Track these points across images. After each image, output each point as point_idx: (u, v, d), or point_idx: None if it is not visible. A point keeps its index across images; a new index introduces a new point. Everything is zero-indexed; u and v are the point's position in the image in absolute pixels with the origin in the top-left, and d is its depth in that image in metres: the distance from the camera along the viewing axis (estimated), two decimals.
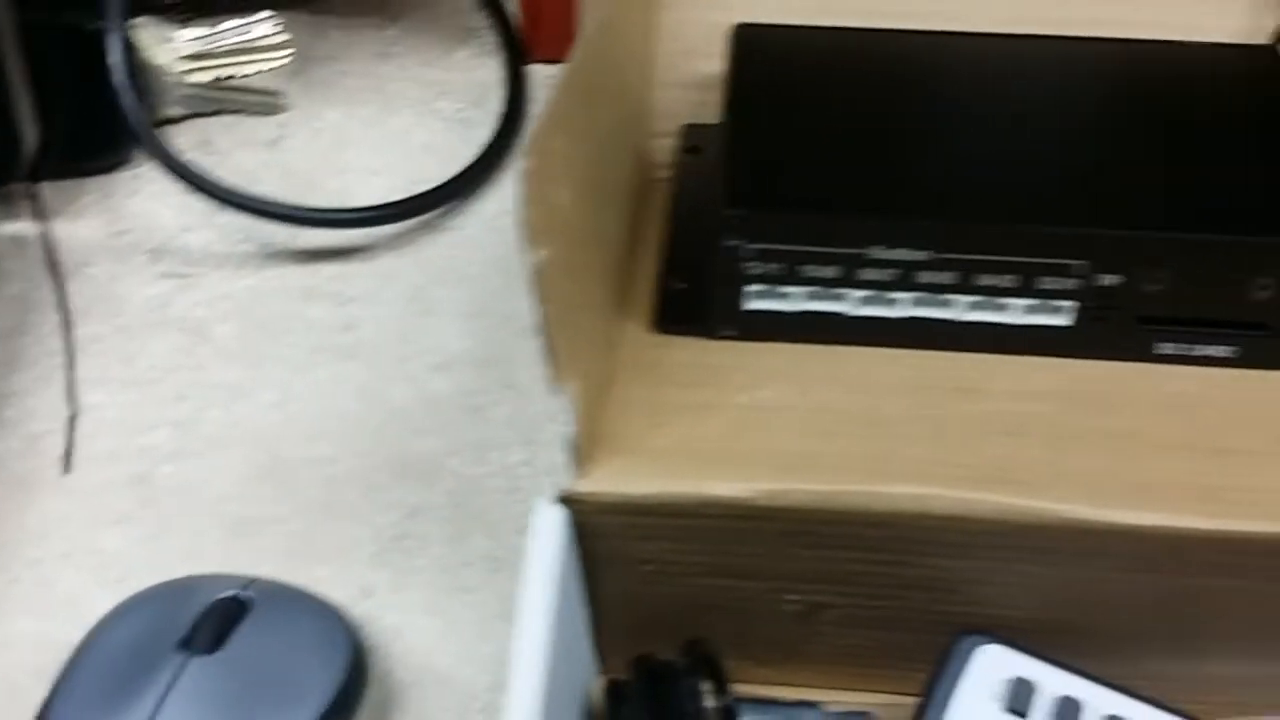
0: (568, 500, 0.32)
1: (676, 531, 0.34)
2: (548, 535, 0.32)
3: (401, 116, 0.54)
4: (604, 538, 0.34)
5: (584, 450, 0.33)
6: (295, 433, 0.45)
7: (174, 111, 0.54)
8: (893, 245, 0.36)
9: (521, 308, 0.29)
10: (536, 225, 0.30)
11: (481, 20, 0.57)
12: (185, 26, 0.55)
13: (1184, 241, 0.36)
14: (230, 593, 0.38)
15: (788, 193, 0.38)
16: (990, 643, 0.35)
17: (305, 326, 0.48)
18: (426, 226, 0.51)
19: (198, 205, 0.50)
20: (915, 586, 0.35)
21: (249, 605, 0.38)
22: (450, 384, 0.46)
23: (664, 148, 0.49)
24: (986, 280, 0.37)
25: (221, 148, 0.53)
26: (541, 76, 0.56)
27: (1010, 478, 0.33)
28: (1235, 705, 0.35)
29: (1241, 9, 0.49)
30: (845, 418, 0.35)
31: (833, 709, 0.38)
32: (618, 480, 0.33)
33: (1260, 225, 0.36)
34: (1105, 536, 0.32)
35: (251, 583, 0.39)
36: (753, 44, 0.46)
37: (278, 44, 0.54)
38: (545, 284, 0.31)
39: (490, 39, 0.57)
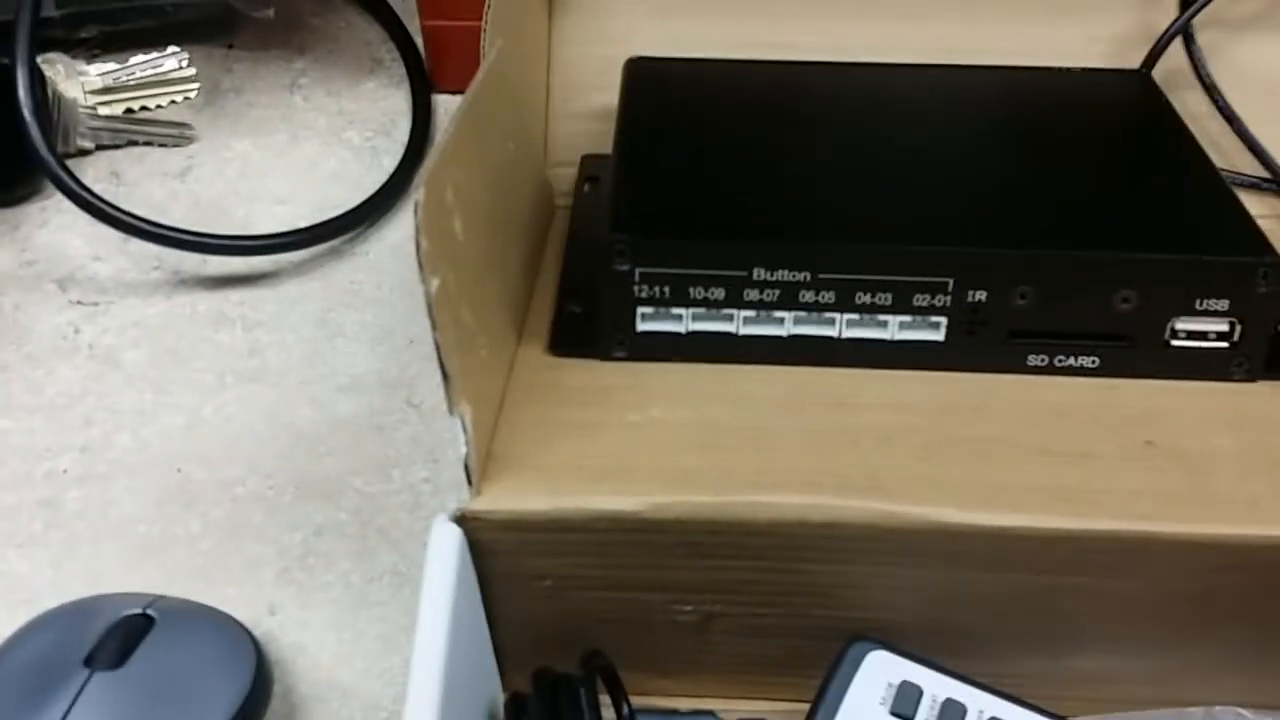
0: (462, 519, 0.33)
1: (570, 546, 0.34)
2: (443, 553, 0.32)
3: (309, 146, 0.54)
4: (500, 555, 0.34)
5: (478, 470, 0.33)
6: (203, 455, 0.45)
7: (85, 144, 0.54)
8: (773, 267, 0.37)
9: (425, 331, 0.29)
10: (431, 254, 0.31)
11: (389, 52, 0.57)
12: (96, 61, 0.54)
13: (1047, 258, 0.37)
14: (135, 610, 0.38)
15: (673, 218, 0.38)
16: (878, 648, 0.35)
17: (213, 351, 0.48)
18: (333, 252, 0.51)
19: (108, 234, 0.50)
20: (801, 593, 0.35)
21: (153, 622, 0.37)
22: (355, 405, 0.46)
23: (565, 177, 0.50)
24: (863, 298, 0.37)
25: (131, 178, 0.53)
26: (447, 106, 0.56)
27: (882, 485, 0.33)
28: (1099, 701, 0.36)
29: (1113, 35, 0.51)
30: (730, 432, 0.36)
31: (730, 718, 0.38)
32: (511, 498, 0.33)
33: (1119, 240, 0.37)
34: (971, 539, 0.32)
35: (156, 600, 0.38)
36: (643, 77, 0.46)
37: (186, 77, 0.54)
38: (440, 311, 0.31)
39: (397, 70, 0.57)
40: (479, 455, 0.33)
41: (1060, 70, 0.47)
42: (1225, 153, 0.50)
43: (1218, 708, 0.36)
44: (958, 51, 0.49)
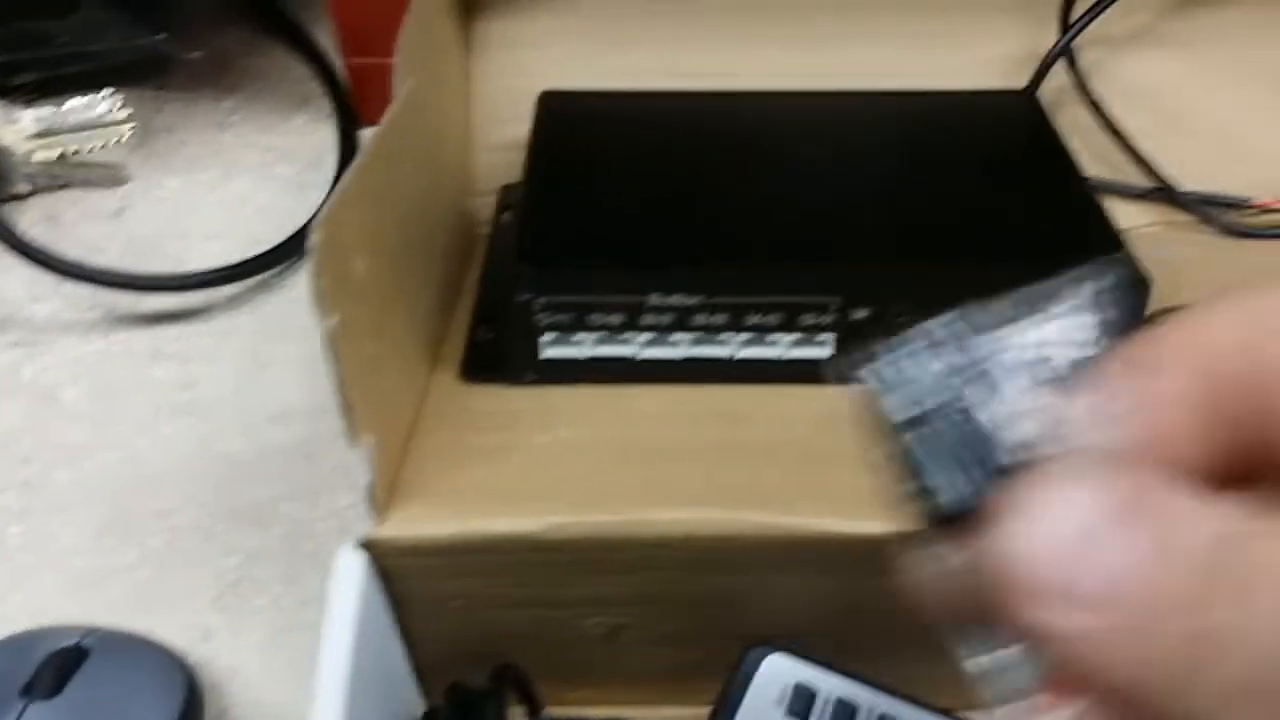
0: (368, 545, 0.34)
1: (476, 568, 0.35)
2: (348, 579, 0.33)
3: (240, 182, 0.55)
4: (409, 578, 0.35)
5: (382, 498, 0.34)
6: (139, 488, 0.45)
7: (21, 188, 0.55)
8: (668, 292, 0.38)
9: None
10: (326, 293, 0.31)
11: (316, 88, 0.58)
12: (31, 107, 0.55)
13: (923, 275, 0.38)
14: (70, 642, 0.39)
15: (574, 248, 0.39)
16: (775, 653, 0.36)
17: (149, 386, 0.48)
18: (263, 286, 0.52)
19: (45, 276, 0.51)
20: (700, 603, 0.36)
21: (88, 652, 0.38)
22: (285, 434, 0.47)
23: (486, 206, 0.51)
24: (754, 319, 0.38)
25: (67, 220, 0.54)
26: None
27: (770, 498, 0.35)
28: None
29: (1003, 57, 0.52)
30: (629, 452, 0.37)
31: None
32: (415, 524, 0.34)
33: (996, 254, 0.39)
34: (853, 546, 0.34)
35: (90, 632, 0.39)
36: (555, 110, 0.47)
37: (120, 119, 0.55)
38: (338, 347, 0.32)
39: (325, 105, 0.57)
40: (385, 482, 0.34)
41: (949, 93, 0.48)
42: (1115, 165, 0.51)
43: None
44: (856, 76, 0.50)
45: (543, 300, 0.38)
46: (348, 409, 0.32)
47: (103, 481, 0.46)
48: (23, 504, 0.45)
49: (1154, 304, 0.38)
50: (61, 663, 0.38)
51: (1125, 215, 0.50)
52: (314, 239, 0.31)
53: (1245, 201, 0.50)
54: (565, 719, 0.38)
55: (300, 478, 0.45)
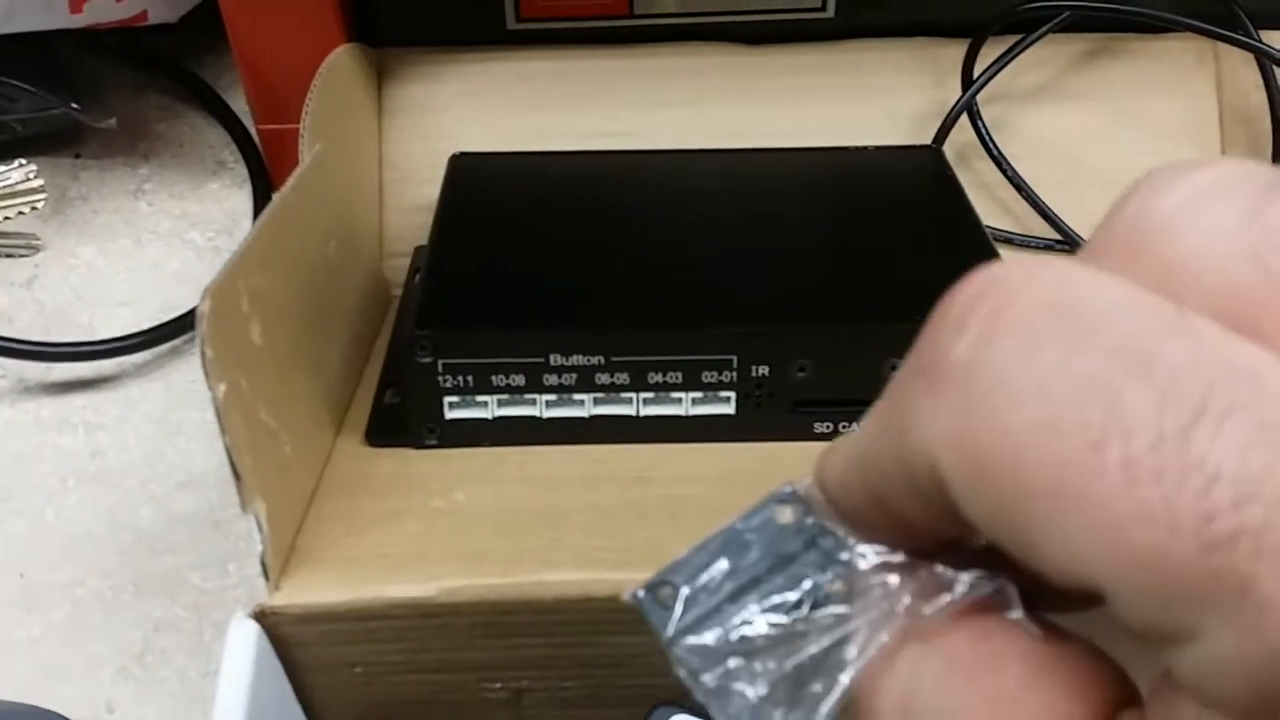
0: (260, 615, 0.33)
1: (373, 634, 0.35)
2: (240, 649, 0.32)
3: (153, 249, 0.55)
4: (306, 646, 0.35)
5: (275, 565, 0.34)
6: (45, 558, 0.45)
7: None
8: (569, 353, 0.38)
9: None
10: (217, 362, 0.31)
11: (232, 154, 0.58)
12: None
13: (818, 332, 0.38)
14: None
15: (474, 311, 0.39)
16: (678, 713, 0.36)
17: (57, 455, 0.48)
18: (174, 352, 0.51)
19: None
20: (601, 665, 0.36)
21: None
22: (194, 502, 0.46)
23: (400, 268, 0.51)
24: (656, 378, 0.39)
25: None
26: None
27: (665, 557, 0.34)
28: None
29: (911, 113, 0.53)
30: (527, 514, 0.36)
31: None
32: (309, 591, 0.34)
33: (887, 312, 0.39)
34: None
35: None
36: (463, 172, 0.48)
37: (33, 188, 0.54)
38: (230, 414, 0.32)
39: (240, 170, 0.58)
40: (280, 550, 0.34)
41: (856, 149, 0.49)
42: (1019, 218, 0.52)
43: None
44: (763, 134, 0.51)
45: (443, 363, 0.38)
46: (238, 478, 0.32)
47: (7, 552, 0.45)
48: None
49: None
50: None
51: None
52: (203, 307, 0.31)
53: None
54: None
55: (209, 546, 0.45)
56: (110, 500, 0.46)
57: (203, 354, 0.31)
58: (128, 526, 0.46)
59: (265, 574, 0.33)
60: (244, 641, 0.32)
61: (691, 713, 0.36)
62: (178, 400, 0.49)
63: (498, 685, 0.37)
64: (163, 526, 0.46)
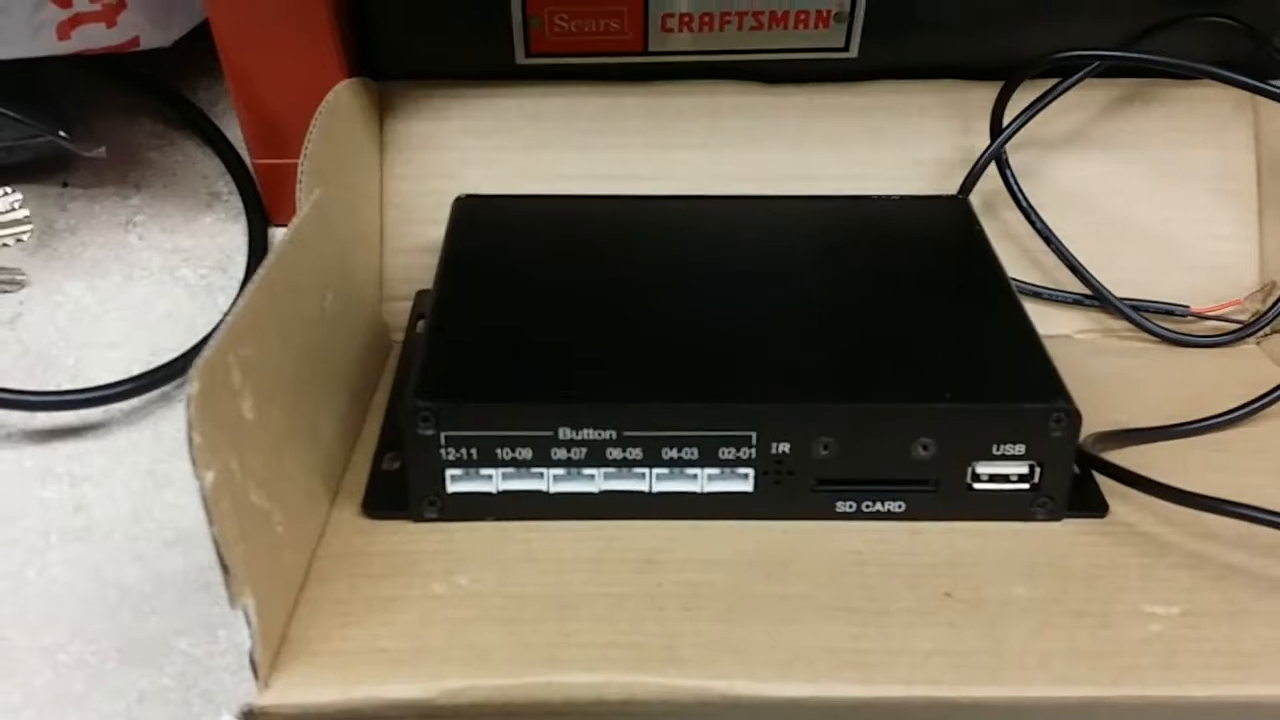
0: (249, 715, 0.32)
1: None
2: None
3: (143, 286, 0.53)
4: None
5: (266, 661, 0.32)
6: (26, 620, 0.43)
7: None
8: (578, 427, 0.37)
9: None
10: (206, 447, 0.30)
11: (226, 185, 0.56)
12: None
13: (843, 410, 0.37)
14: None
15: (477, 382, 0.38)
16: None
17: (39, 509, 0.46)
18: (164, 398, 0.50)
19: None
20: None
21: None
22: (182, 561, 0.45)
23: (401, 311, 0.50)
24: (670, 453, 0.37)
25: None
26: None
27: (679, 656, 0.33)
28: None
29: (936, 160, 0.51)
30: (533, 601, 0.35)
31: None
32: (300, 690, 0.32)
33: (916, 390, 0.37)
34: (762, 710, 0.32)
35: None
36: (469, 216, 0.46)
37: (19, 219, 0.53)
38: (218, 504, 0.30)
39: (235, 203, 0.56)
40: (271, 642, 0.32)
41: (878, 198, 0.48)
42: (1047, 270, 0.51)
43: None
44: (790, 179, 0.49)
45: (445, 435, 0.37)
46: (226, 572, 0.30)
47: None
48: None
49: (1089, 416, 0.37)
50: None
51: (1060, 322, 0.49)
52: (191, 389, 0.30)
53: (1181, 308, 0.50)
54: None
55: (198, 609, 0.43)
56: (95, 558, 0.45)
57: (190, 439, 0.29)
58: (113, 586, 0.44)
59: (254, 672, 0.31)
60: None
61: None
62: (167, 451, 0.48)
63: None
64: (150, 587, 0.44)
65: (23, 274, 0.53)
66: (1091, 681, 0.32)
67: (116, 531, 0.46)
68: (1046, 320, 0.49)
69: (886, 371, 0.38)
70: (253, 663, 0.32)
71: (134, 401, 0.49)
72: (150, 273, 0.53)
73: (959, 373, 0.38)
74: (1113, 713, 0.32)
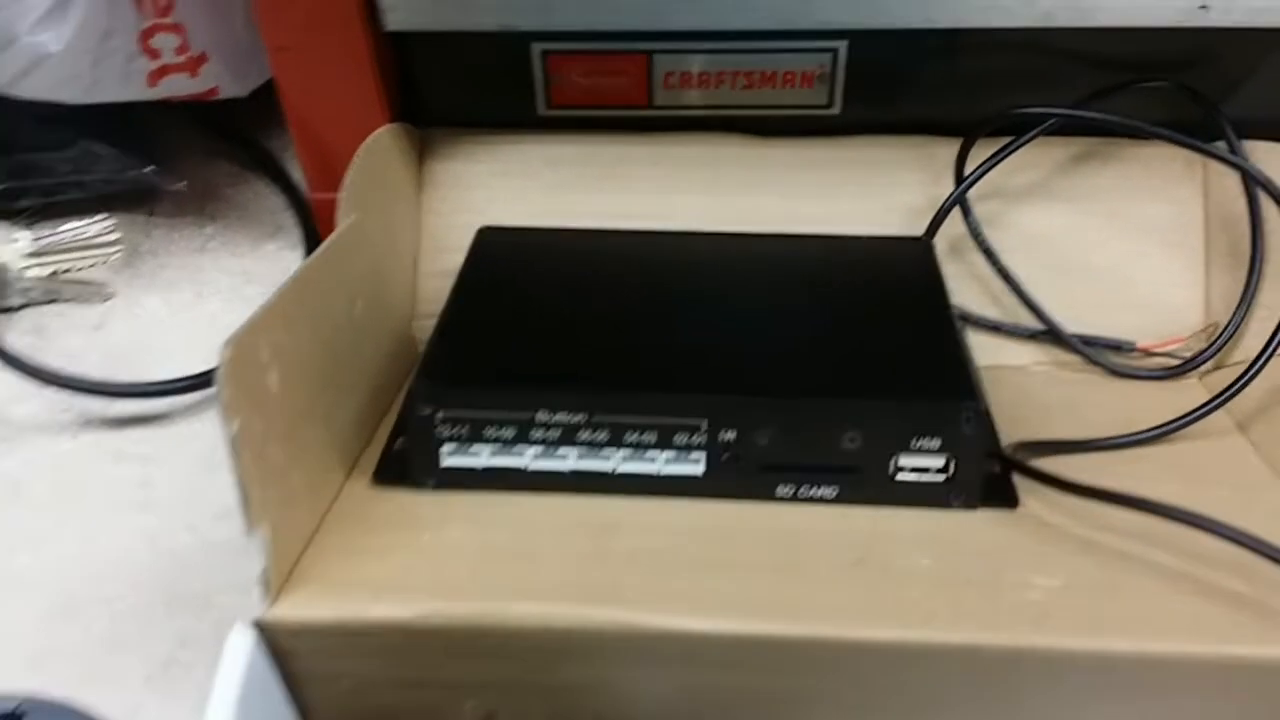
0: (259, 625, 0.38)
1: (360, 649, 0.39)
2: (237, 654, 0.37)
3: (211, 302, 0.61)
4: (300, 657, 0.39)
5: (276, 585, 0.39)
6: (89, 575, 0.50)
7: (14, 302, 0.61)
8: (555, 409, 0.43)
9: None
10: (231, 403, 0.37)
11: (290, 218, 0.64)
12: (30, 228, 0.62)
13: (782, 403, 0.43)
14: (8, 707, 0.43)
15: (472, 369, 0.44)
16: None
17: (110, 484, 0.54)
18: None
19: (26, 381, 0.57)
20: (562, 691, 0.40)
21: (21, 714, 0.43)
22: (228, 531, 0.52)
23: (430, 328, 0.56)
24: (632, 437, 0.43)
25: (52, 331, 0.60)
26: None
27: (626, 597, 0.39)
28: None
29: (908, 206, 0.57)
30: (505, 552, 0.41)
31: None
32: (302, 608, 0.39)
33: (847, 388, 0.43)
34: (700, 643, 0.38)
35: (28, 700, 0.44)
36: (487, 243, 0.53)
37: (109, 241, 0.61)
38: (238, 449, 0.37)
39: (296, 233, 0.64)
40: (281, 572, 0.39)
41: (851, 238, 0.54)
42: (1007, 308, 0.56)
43: None
44: (778, 220, 0.55)
45: (441, 415, 0.43)
46: (244, 502, 0.37)
47: (58, 568, 0.51)
48: None
49: (1030, 435, 0.42)
50: None
51: (1016, 354, 0.55)
52: (223, 355, 0.37)
53: (1128, 345, 0.55)
54: None
55: (237, 572, 0.50)
56: (153, 526, 0.52)
57: (220, 395, 0.36)
58: (167, 550, 0.51)
59: (265, 590, 0.38)
60: (240, 646, 0.37)
61: None
62: (222, 440, 0.55)
63: (470, 706, 0.41)
64: (197, 553, 0.51)
65: (109, 288, 0.61)
66: (969, 631, 0.37)
67: (174, 505, 0.53)
68: (1004, 353, 0.55)
69: (824, 373, 0.44)
70: (263, 582, 0.38)
71: (196, 396, 0.57)
72: (219, 291, 0.61)
73: (886, 376, 0.44)
74: (986, 660, 0.37)
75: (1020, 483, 0.44)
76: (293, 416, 0.41)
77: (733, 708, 0.41)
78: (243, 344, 0.38)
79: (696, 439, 0.43)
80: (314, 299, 0.44)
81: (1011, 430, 0.47)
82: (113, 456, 0.55)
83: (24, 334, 0.59)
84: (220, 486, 0.53)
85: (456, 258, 0.54)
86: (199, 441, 0.55)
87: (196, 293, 0.61)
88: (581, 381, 0.44)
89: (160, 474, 0.54)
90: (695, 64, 0.55)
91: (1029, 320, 0.55)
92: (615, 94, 0.57)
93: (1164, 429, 0.48)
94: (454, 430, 0.43)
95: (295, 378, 0.41)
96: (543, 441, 0.43)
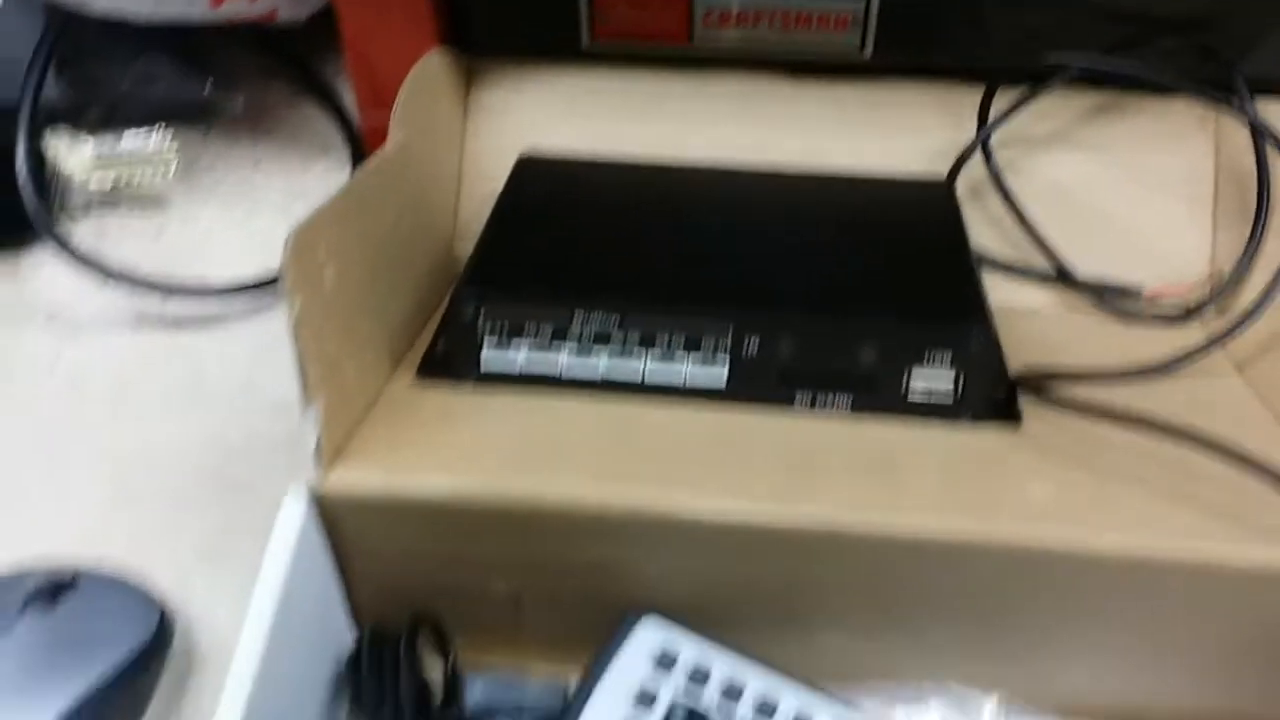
0: (312, 494, 0.41)
1: (401, 522, 0.42)
2: (290, 520, 0.40)
3: (264, 217, 0.64)
4: (346, 528, 0.42)
5: (328, 455, 0.42)
6: (145, 460, 0.53)
7: (77, 207, 0.64)
8: (590, 309, 0.46)
9: None
10: (294, 287, 0.40)
11: (337, 139, 0.67)
12: (94, 137, 0.65)
13: (804, 316, 0.45)
14: (64, 578, 0.46)
15: (514, 272, 0.47)
16: (650, 619, 0.43)
17: (165, 378, 0.57)
18: (272, 302, 0.60)
19: (89, 282, 0.60)
20: (586, 573, 0.43)
21: (76, 581, 0.46)
22: (275, 426, 0.54)
23: (469, 251, 0.59)
24: (662, 341, 0.46)
25: (112, 237, 0.63)
26: None
27: (649, 482, 0.42)
28: (840, 677, 0.43)
29: (932, 149, 0.59)
30: (541, 442, 0.44)
31: (538, 680, 0.46)
32: (351, 479, 0.41)
33: (865, 307, 0.46)
34: (716, 530, 0.41)
35: (81, 568, 0.47)
36: (528, 168, 0.56)
37: (168, 155, 0.64)
38: (299, 329, 0.40)
39: (344, 154, 0.67)
40: (331, 444, 0.42)
41: (875, 178, 0.56)
42: (1023, 252, 0.58)
43: (929, 684, 0.44)
44: (803, 153, 0.58)
45: (484, 312, 0.46)
46: (303, 378, 0.40)
47: (115, 453, 0.54)
48: (46, 465, 0.53)
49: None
50: (55, 586, 0.45)
51: (1028, 297, 0.57)
52: (287, 243, 0.40)
53: (1136, 290, 0.57)
54: (476, 669, 0.45)
55: (283, 461, 0.53)
56: (205, 419, 0.55)
57: (282, 281, 0.39)
58: (217, 440, 0.54)
59: (318, 460, 0.41)
60: (294, 512, 0.40)
61: (660, 619, 0.43)
62: (270, 343, 0.58)
63: (502, 584, 0.44)
64: (246, 443, 0.54)
65: (167, 200, 0.64)
66: (969, 525, 0.40)
67: (225, 399, 0.56)
68: (1016, 295, 0.57)
69: (846, 292, 0.47)
70: (317, 454, 0.41)
71: (248, 302, 0.60)
72: (270, 206, 0.64)
73: (904, 298, 0.46)
74: (983, 556, 0.40)
75: (1025, 409, 0.46)
76: (346, 310, 0.44)
77: (746, 597, 0.43)
78: (303, 236, 0.40)
79: (721, 345, 0.46)
80: (364, 208, 0.46)
81: (1019, 364, 0.49)
82: (167, 354, 0.58)
83: (86, 238, 0.62)
84: (268, 386, 0.57)
85: (496, 185, 0.56)
86: (249, 342, 0.58)
87: (249, 208, 0.64)
88: (616, 287, 0.46)
89: (212, 372, 0.57)
90: (734, 3, 0.58)
91: (1042, 265, 0.58)
92: (656, 30, 0.59)
93: (1166, 365, 0.50)
94: (495, 328, 0.46)
95: (349, 275, 0.44)
96: (578, 341, 0.46)
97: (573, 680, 0.43)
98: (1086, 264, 0.57)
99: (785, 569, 0.42)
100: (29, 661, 0.43)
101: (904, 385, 0.46)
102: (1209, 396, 0.50)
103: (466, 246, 0.58)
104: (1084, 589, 0.41)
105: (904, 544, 0.40)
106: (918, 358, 0.45)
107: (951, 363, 0.45)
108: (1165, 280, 0.57)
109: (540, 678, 0.45)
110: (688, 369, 0.46)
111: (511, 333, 0.46)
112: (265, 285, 0.59)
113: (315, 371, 0.40)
